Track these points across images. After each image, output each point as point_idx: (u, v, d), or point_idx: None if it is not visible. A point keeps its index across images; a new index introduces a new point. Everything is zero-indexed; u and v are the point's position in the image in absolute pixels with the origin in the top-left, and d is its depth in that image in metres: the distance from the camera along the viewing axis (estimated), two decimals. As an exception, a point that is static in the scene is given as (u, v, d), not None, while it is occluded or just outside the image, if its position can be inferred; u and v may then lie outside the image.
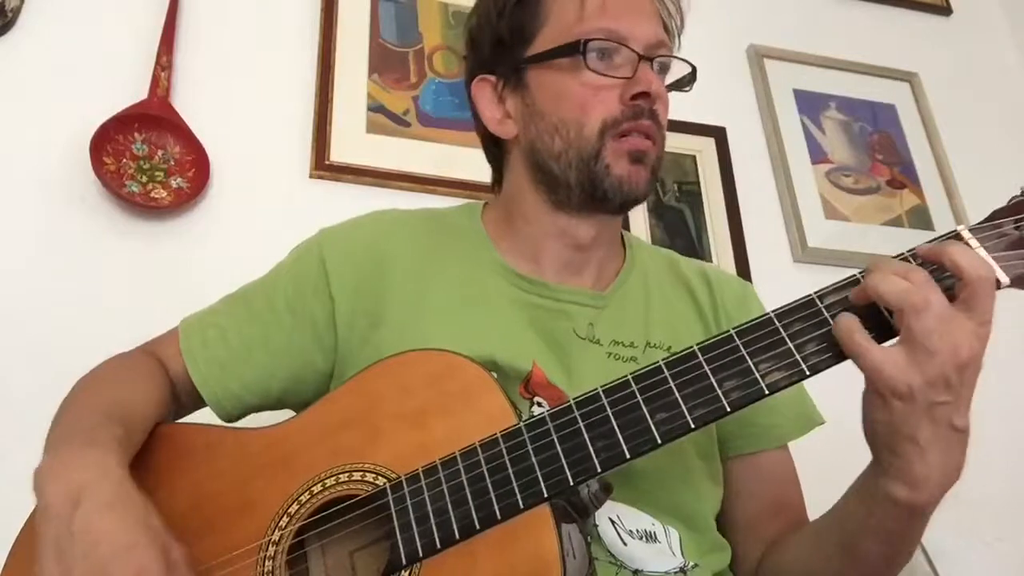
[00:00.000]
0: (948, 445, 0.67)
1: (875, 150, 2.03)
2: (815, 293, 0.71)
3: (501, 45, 0.95)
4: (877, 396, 0.67)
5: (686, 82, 0.96)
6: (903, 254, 0.70)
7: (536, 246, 0.96)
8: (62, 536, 0.67)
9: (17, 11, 1.53)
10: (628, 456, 0.70)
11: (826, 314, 0.69)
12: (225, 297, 1.00)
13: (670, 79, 0.95)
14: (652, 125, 0.89)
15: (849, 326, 0.67)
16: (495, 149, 1.01)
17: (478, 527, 0.70)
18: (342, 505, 0.76)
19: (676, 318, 0.98)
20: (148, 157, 1.51)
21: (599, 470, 0.70)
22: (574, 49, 0.88)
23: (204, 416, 0.97)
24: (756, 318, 0.71)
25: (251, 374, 0.94)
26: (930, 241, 0.71)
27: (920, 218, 1.96)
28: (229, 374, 0.93)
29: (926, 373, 0.64)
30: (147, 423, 0.84)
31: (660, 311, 0.97)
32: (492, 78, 0.97)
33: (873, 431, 0.70)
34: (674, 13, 0.96)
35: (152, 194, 1.49)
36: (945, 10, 2.32)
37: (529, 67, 0.93)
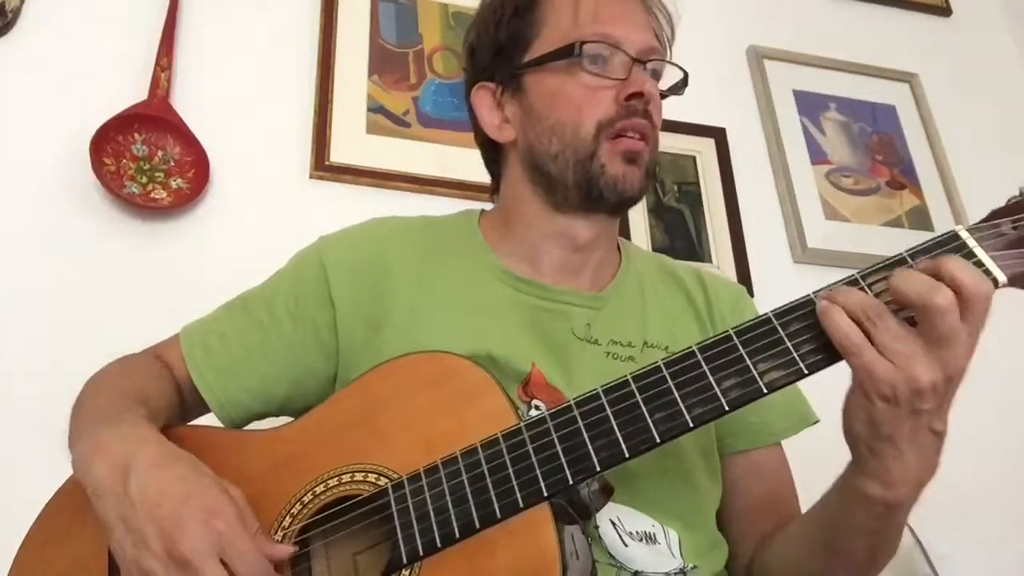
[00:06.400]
0: (925, 447, 0.69)
1: (875, 151, 2.03)
2: (813, 293, 0.71)
3: (500, 53, 0.98)
4: (862, 395, 0.68)
5: (679, 87, 0.99)
6: (901, 254, 0.70)
7: (534, 248, 0.97)
8: (123, 508, 0.70)
9: (17, 12, 1.53)
10: (627, 455, 0.70)
11: None
12: (224, 305, 1.00)
13: (663, 86, 0.98)
14: (646, 124, 0.92)
15: (842, 321, 0.67)
16: (494, 155, 1.04)
17: (478, 526, 0.70)
18: (344, 505, 0.76)
19: (672, 318, 0.99)
20: (148, 158, 1.51)
21: (598, 469, 0.70)
22: (570, 51, 0.91)
23: (206, 421, 0.97)
24: (754, 318, 0.72)
25: (254, 380, 0.94)
26: (928, 241, 0.71)
27: (920, 219, 1.96)
28: (232, 380, 0.94)
29: (917, 382, 0.65)
30: (163, 411, 0.86)
31: (656, 311, 0.99)
32: (491, 85, 1.00)
33: (853, 429, 0.70)
34: (665, 26, 0.99)
35: (152, 195, 1.49)
36: (945, 11, 2.32)
37: (527, 72, 0.96)
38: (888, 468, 0.69)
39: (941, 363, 0.65)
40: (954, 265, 0.65)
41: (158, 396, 0.89)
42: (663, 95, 0.97)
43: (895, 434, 0.67)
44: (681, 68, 0.98)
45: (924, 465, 0.69)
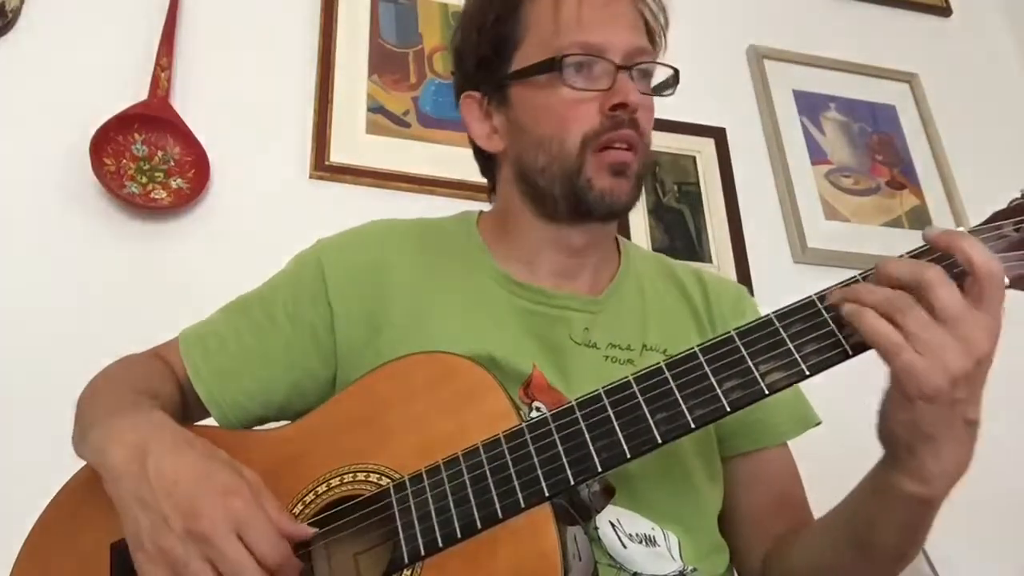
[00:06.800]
0: (961, 440, 0.68)
1: (875, 151, 2.03)
2: (815, 295, 0.71)
3: (484, 62, 0.96)
4: (902, 397, 0.66)
5: (668, 85, 0.96)
6: (903, 256, 0.70)
7: (531, 253, 0.97)
8: (141, 488, 0.71)
9: (17, 11, 1.53)
10: (629, 456, 0.70)
11: (826, 315, 0.69)
12: (223, 307, 1.00)
13: (655, 82, 0.96)
14: (633, 134, 0.90)
15: (878, 323, 0.66)
16: (487, 162, 1.03)
17: (479, 526, 0.70)
18: (346, 505, 0.76)
19: (671, 320, 0.99)
20: (148, 158, 1.51)
21: (600, 470, 0.70)
22: (551, 66, 0.89)
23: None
24: (757, 319, 0.72)
25: (253, 383, 0.94)
26: None
27: (920, 219, 1.96)
28: (232, 382, 0.94)
29: (950, 371, 0.64)
30: (168, 408, 0.85)
31: (655, 313, 0.98)
32: (477, 95, 0.98)
33: (892, 431, 0.70)
34: (657, 12, 0.96)
35: (152, 195, 1.49)
36: (945, 10, 2.33)
37: (511, 84, 0.94)
38: (925, 464, 0.68)
39: (966, 347, 0.64)
40: (966, 243, 0.65)
41: (162, 392, 0.89)
42: (652, 92, 0.94)
43: (936, 432, 0.67)
44: (671, 66, 0.95)
45: (960, 458, 0.69)
